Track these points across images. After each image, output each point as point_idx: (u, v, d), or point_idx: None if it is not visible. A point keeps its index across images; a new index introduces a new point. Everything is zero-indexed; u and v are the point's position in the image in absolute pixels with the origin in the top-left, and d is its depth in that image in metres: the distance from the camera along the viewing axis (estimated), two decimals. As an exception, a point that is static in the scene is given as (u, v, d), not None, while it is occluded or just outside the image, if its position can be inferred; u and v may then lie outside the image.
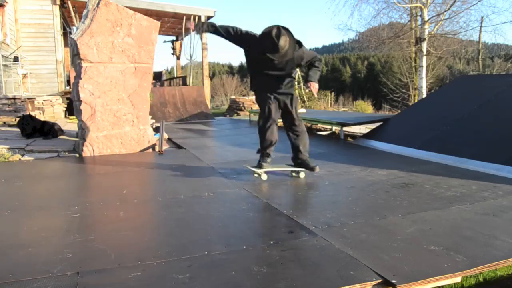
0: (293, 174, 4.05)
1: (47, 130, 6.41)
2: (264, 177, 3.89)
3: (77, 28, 5.53)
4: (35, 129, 6.36)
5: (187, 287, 1.85)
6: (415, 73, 17.99)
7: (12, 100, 8.35)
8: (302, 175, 3.99)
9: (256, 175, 3.91)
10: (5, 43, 10.10)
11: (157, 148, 5.79)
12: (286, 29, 3.49)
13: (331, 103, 22.29)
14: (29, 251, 2.27)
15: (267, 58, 3.48)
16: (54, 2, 11.28)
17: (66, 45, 13.15)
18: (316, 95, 3.80)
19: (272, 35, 3.41)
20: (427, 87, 15.75)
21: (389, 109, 22.53)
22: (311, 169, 3.92)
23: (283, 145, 6.25)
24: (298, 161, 3.98)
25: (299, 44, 3.65)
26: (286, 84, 3.80)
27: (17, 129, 6.56)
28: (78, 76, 5.40)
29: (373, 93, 38.73)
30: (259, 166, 3.94)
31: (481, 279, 2.19)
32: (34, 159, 5.18)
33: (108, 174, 4.44)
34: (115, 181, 4.15)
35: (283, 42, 3.42)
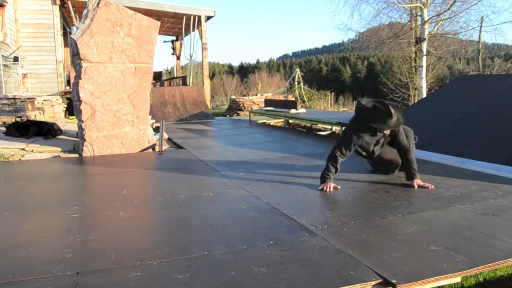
0: None
1: (47, 130, 6.42)
2: None
3: (77, 28, 5.53)
4: (23, 126, 6.37)
5: (187, 287, 1.85)
6: (415, 73, 17.98)
7: (12, 100, 8.35)
8: None
9: None
10: (5, 43, 10.10)
11: (157, 148, 5.79)
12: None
13: (331, 103, 22.29)
14: (29, 251, 2.26)
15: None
16: (54, 2, 11.29)
17: (66, 45, 13.17)
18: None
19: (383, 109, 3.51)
20: (427, 87, 15.74)
21: (389, 109, 22.45)
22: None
23: (283, 145, 6.26)
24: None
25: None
26: None
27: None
28: (78, 76, 5.40)
29: (373, 93, 38.74)
30: None
31: (481, 279, 2.20)
32: (34, 159, 5.18)
33: (108, 174, 4.44)
34: (115, 181, 4.15)
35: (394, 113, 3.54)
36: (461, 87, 6.77)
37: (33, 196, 3.54)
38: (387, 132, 3.66)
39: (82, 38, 5.24)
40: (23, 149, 5.43)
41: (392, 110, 3.46)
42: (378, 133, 3.66)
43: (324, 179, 3.62)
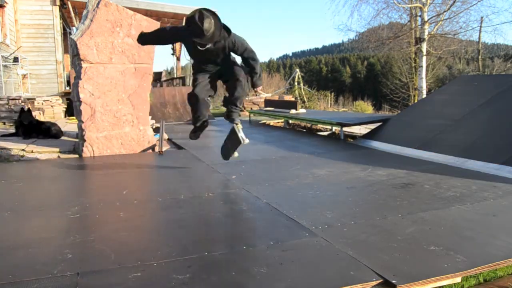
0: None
1: (44, 130, 6.40)
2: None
3: (77, 29, 5.53)
4: (31, 126, 6.36)
5: (187, 287, 1.85)
6: (415, 73, 17.99)
7: (12, 101, 8.35)
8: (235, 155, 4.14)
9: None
10: (5, 43, 10.10)
11: (157, 149, 5.78)
12: (211, 12, 3.48)
13: (331, 103, 22.30)
14: (29, 252, 2.26)
15: (197, 44, 3.48)
16: (54, 3, 11.29)
17: (66, 45, 13.16)
18: (262, 93, 3.99)
19: (196, 20, 3.38)
20: (427, 87, 15.74)
21: (389, 109, 22.53)
22: (232, 120, 4.02)
23: (283, 145, 6.26)
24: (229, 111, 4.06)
25: (227, 30, 3.64)
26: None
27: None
28: (78, 77, 5.40)
29: (373, 93, 38.77)
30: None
31: (481, 279, 2.19)
32: (34, 159, 5.18)
33: (108, 175, 4.44)
34: (115, 181, 4.15)
35: (207, 24, 3.40)
36: (461, 87, 6.77)
37: (33, 197, 3.54)
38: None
39: (82, 38, 5.24)
40: (23, 150, 5.43)
41: (204, 21, 3.35)
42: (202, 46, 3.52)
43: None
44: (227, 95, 4.09)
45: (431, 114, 6.13)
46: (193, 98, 4.02)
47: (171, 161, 5.10)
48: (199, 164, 4.86)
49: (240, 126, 3.98)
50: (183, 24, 3.70)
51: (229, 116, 4.07)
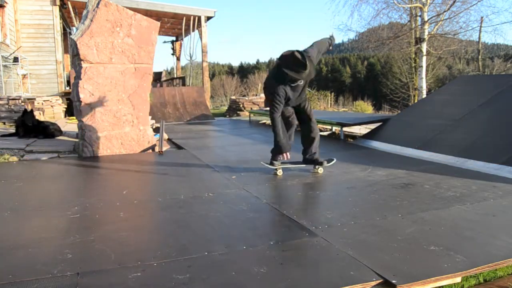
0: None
1: (42, 129, 6.40)
2: (280, 172, 4.22)
3: (77, 29, 5.53)
4: (32, 126, 6.35)
5: (187, 287, 1.85)
6: (415, 73, 17.99)
7: (12, 101, 8.34)
8: (320, 170, 4.25)
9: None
10: (5, 43, 10.11)
11: (157, 149, 5.78)
12: (305, 53, 3.84)
13: (331, 103, 22.29)
14: (29, 252, 2.26)
15: (292, 79, 3.78)
16: (53, 3, 11.30)
17: (66, 45, 13.17)
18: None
19: (299, 57, 3.70)
20: (427, 87, 15.73)
21: (389, 109, 22.53)
22: (320, 163, 4.29)
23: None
24: (308, 157, 4.34)
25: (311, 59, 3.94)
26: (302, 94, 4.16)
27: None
28: (78, 77, 5.40)
29: (373, 93, 38.75)
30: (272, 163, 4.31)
31: (481, 279, 2.19)
32: (34, 159, 5.18)
33: (108, 175, 4.44)
34: (115, 181, 4.15)
35: (308, 63, 3.74)
36: (460, 87, 6.77)
37: (33, 197, 3.54)
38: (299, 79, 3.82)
39: (82, 38, 5.24)
40: (23, 150, 5.43)
41: (308, 63, 3.71)
42: (293, 82, 3.84)
43: (280, 148, 3.91)
44: (303, 147, 4.43)
45: (431, 114, 6.13)
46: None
47: (171, 161, 5.10)
48: (199, 164, 4.87)
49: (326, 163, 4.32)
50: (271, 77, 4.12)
51: (316, 160, 4.31)
